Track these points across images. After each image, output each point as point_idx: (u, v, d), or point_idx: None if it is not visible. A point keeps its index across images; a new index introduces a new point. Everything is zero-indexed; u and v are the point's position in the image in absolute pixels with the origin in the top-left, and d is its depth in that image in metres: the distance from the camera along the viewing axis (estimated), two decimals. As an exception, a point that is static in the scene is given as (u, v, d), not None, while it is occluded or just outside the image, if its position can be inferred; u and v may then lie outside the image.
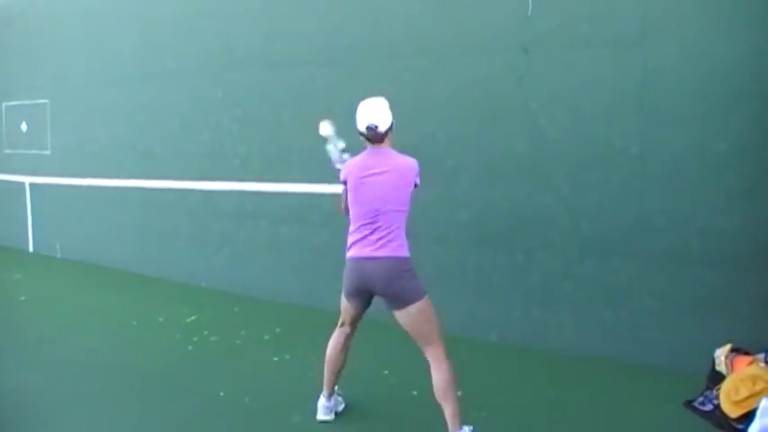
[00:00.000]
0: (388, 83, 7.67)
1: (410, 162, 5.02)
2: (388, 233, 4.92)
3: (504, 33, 7.07)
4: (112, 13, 11.00)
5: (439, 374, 4.88)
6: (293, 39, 8.69)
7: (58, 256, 12.51)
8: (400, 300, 4.92)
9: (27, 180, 12.91)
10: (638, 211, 6.48)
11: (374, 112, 5.03)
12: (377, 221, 4.93)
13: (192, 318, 8.46)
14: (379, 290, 4.99)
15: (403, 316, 4.93)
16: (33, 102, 12.60)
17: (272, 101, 8.99)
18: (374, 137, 5.01)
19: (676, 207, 6.31)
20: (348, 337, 5.43)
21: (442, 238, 7.41)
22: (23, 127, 12.92)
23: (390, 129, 5.05)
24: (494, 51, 7.15)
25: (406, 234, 5.03)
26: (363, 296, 5.13)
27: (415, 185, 5.02)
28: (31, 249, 13.08)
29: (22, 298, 9.69)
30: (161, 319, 8.43)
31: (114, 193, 11.16)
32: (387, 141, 5.05)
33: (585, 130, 6.68)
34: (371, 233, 4.95)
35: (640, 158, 6.43)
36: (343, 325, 5.40)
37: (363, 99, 7.90)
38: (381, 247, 4.92)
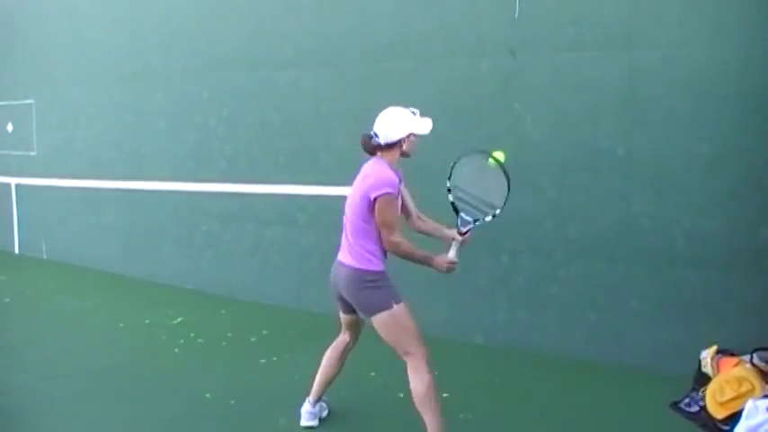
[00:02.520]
0: (374, 84, 7.71)
1: (373, 174, 4.83)
2: (352, 243, 4.91)
3: (491, 35, 7.08)
4: (98, 13, 10.96)
5: (414, 384, 4.83)
6: (279, 40, 8.68)
7: (44, 257, 12.44)
8: (362, 309, 4.97)
9: (13, 181, 12.84)
10: (624, 213, 6.50)
11: (383, 122, 4.88)
12: (346, 228, 4.97)
13: (179, 319, 8.44)
14: (343, 294, 5.01)
15: (374, 324, 4.91)
16: (19, 102, 12.54)
17: (259, 102, 8.98)
18: (365, 144, 4.93)
19: (661, 209, 6.33)
20: (346, 347, 5.39)
21: (428, 240, 7.41)
22: (9, 128, 12.85)
23: (398, 143, 4.88)
24: (480, 53, 7.15)
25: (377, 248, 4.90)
26: (342, 300, 5.11)
27: (373, 200, 4.76)
28: (16, 251, 13.01)
29: (7, 299, 9.64)
30: (147, 321, 8.40)
31: (100, 194, 11.12)
32: (388, 155, 4.90)
33: (571, 132, 6.70)
34: (344, 239, 4.99)
35: (626, 160, 6.45)
36: (342, 333, 5.39)
37: (349, 100, 7.96)
38: (346, 254, 4.96)
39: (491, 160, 4.94)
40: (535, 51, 6.86)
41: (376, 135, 4.88)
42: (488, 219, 4.97)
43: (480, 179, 5.01)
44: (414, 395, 4.83)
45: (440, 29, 7.41)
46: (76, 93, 11.41)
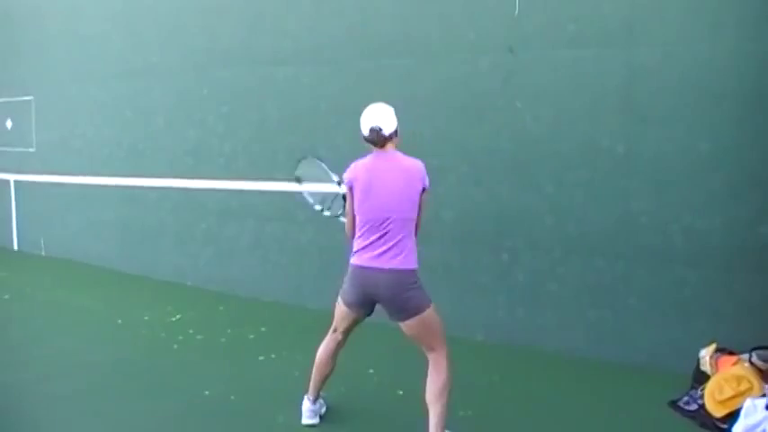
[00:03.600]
0: (373, 81, 7.70)
1: (417, 165, 4.88)
2: (397, 243, 4.78)
3: (491, 33, 7.08)
4: (97, 9, 10.95)
5: (436, 379, 4.84)
6: (279, 36, 8.68)
7: (43, 253, 12.44)
8: (405, 311, 4.83)
9: (12, 178, 12.84)
10: (623, 210, 6.50)
11: (378, 115, 4.88)
12: (385, 229, 4.80)
13: (177, 316, 8.44)
14: (383, 300, 4.89)
15: (407, 326, 4.87)
16: (18, 99, 12.53)
17: (258, 99, 8.97)
18: (378, 139, 4.88)
19: (661, 207, 6.33)
20: (339, 345, 5.34)
21: (427, 237, 7.37)
22: (8, 124, 12.84)
23: (395, 133, 4.93)
24: (480, 51, 7.15)
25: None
26: (366, 306, 5.01)
27: (424, 189, 4.87)
28: (15, 247, 13.02)
29: (6, 296, 9.64)
30: (146, 318, 8.40)
31: (99, 191, 11.12)
32: (392, 145, 4.93)
33: (571, 130, 6.70)
34: (378, 240, 4.82)
35: (625, 158, 6.45)
36: (335, 332, 5.27)
37: (349, 97, 7.95)
38: (389, 258, 4.79)
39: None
40: (535, 49, 6.86)
41: (380, 129, 4.86)
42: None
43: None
44: (428, 389, 4.85)
45: (439, 26, 7.40)
46: (76, 89, 11.40)
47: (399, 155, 4.92)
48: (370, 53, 7.91)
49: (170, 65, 9.96)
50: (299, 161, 5.79)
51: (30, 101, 12.31)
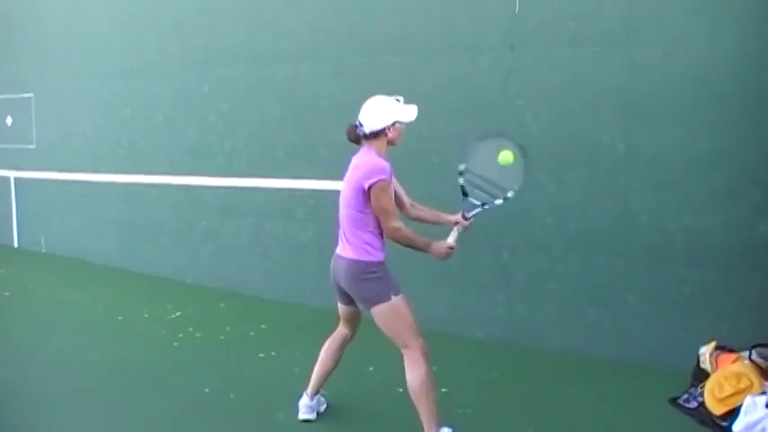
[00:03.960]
0: (373, 79, 7.69)
1: (365, 163, 4.81)
2: (349, 235, 4.90)
3: (491, 31, 7.08)
4: (97, 7, 10.95)
5: (409, 376, 4.83)
6: (279, 34, 8.68)
7: (43, 251, 12.44)
8: (361, 300, 4.97)
9: (12, 175, 12.84)
10: (623, 208, 6.50)
11: (367, 111, 4.88)
12: (342, 221, 4.96)
13: (177, 314, 8.45)
14: (343, 287, 5.01)
15: (374, 318, 4.92)
16: (18, 96, 12.53)
17: (258, 96, 8.97)
18: (352, 134, 4.95)
19: (660, 205, 6.33)
20: (344, 340, 5.38)
21: (427, 234, 7.40)
22: (8, 121, 12.84)
23: (383, 131, 4.86)
24: (480, 48, 7.15)
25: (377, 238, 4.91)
26: (341, 292, 5.11)
27: (369, 188, 4.74)
28: (15, 244, 13.02)
29: (6, 293, 9.65)
30: (146, 315, 8.40)
31: (99, 188, 11.12)
32: (375, 143, 4.88)
33: (571, 128, 6.70)
34: (340, 230, 5.00)
35: (625, 156, 6.45)
36: (340, 325, 5.38)
37: (348, 94, 7.94)
38: (343, 248, 4.94)
39: (500, 159, 4.97)
40: (535, 47, 6.85)
41: (360, 124, 4.88)
42: (498, 202, 5.06)
43: (495, 162, 5.06)
44: (409, 387, 4.84)
45: (439, 24, 7.40)
46: (76, 87, 11.40)
47: (367, 153, 4.90)
48: (369, 51, 7.91)
49: (170, 63, 9.96)
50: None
51: (30, 98, 12.31)
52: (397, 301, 4.85)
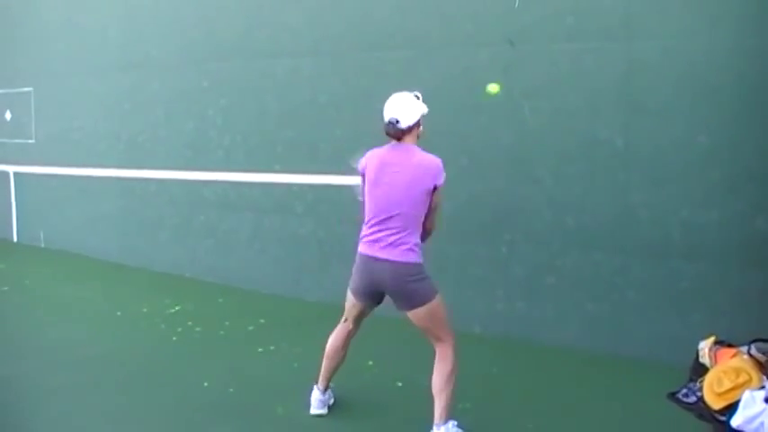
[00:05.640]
0: (372, 74, 7.71)
1: (431, 162, 4.83)
2: (399, 236, 4.80)
3: (490, 25, 7.08)
4: (97, 1, 10.95)
5: (442, 369, 4.89)
6: (278, 29, 8.67)
7: (42, 245, 12.45)
8: (409, 302, 4.88)
9: (11, 169, 12.83)
10: (622, 203, 6.51)
11: (398, 107, 4.87)
12: (389, 222, 4.82)
13: (176, 308, 8.45)
14: (388, 291, 4.93)
15: (413, 316, 4.91)
16: (17, 90, 12.53)
17: (257, 91, 8.97)
18: (393, 132, 4.87)
19: (659, 200, 6.34)
20: (350, 335, 5.38)
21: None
22: (8, 115, 12.84)
23: (416, 125, 4.90)
24: (479, 43, 7.15)
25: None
26: (373, 295, 5.05)
27: (435, 187, 4.81)
28: (15, 239, 13.02)
29: (5, 288, 9.65)
30: (145, 310, 8.41)
31: (98, 183, 11.12)
32: (409, 138, 4.90)
33: (569, 123, 6.71)
34: (382, 232, 4.85)
35: (624, 151, 6.46)
36: (346, 321, 5.33)
37: (348, 89, 7.95)
38: (391, 249, 4.82)
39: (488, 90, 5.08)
40: (534, 41, 6.85)
41: (397, 121, 4.84)
42: None
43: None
44: (434, 379, 4.89)
45: (438, 18, 7.40)
46: (75, 81, 11.40)
47: (414, 149, 4.89)
48: (369, 46, 7.91)
49: (169, 57, 9.95)
50: None
51: (29, 92, 12.31)
52: (439, 297, 4.92)
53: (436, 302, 4.89)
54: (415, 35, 7.57)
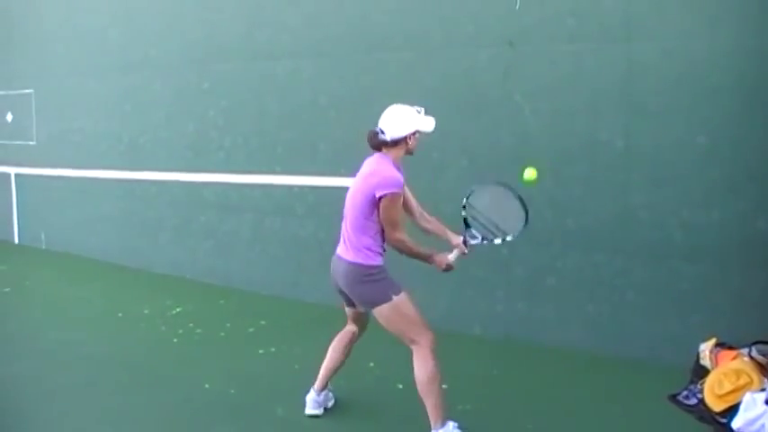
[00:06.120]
0: (372, 75, 7.71)
1: (378, 173, 4.84)
2: (351, 237, 4.93)
3: (490, 26, 7.08)
4: (97, 2, 10.94)
5: (418, 372, 4.88)
6: (278, 30, 8.67)
7: (43, 247, 12.45)
8: (362, 303, 5.02)
9: (12, 171, 12.84)
10: (622, 204, 6.51)
11: (389, 118, 4.90)
12: (345, 224, 5.00)
13: (177, 310, 8.45)
14: (342, 288, 5.05)
15: (378, 319, 4.97)
16: (18, 92, 12.53)
17: (257, 92, 8.97)
18: (372, 140, 4.94)
19: (659, 200, 6.34)
20: (352, 337, 5.43)
21: (424, 238, 7.42)
22: (9, 117, 12.84)
23: (403, 140, 4.90)
24: (479, 44, 7.15)
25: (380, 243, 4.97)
26: (342, 293, 5.14)
27: (378, 198, 4.79)
28: (16, 240, 13.02)
29: (6, 289, 9.65)
30: (146, 311, 8.41)
31: (99, 184, 11.12)
32: (393, 151, 4.92)
33: (570, 124, 6.71)
34: (343, 233, 5.03)
35: (624, 152, 6.46)
36: (348, 323, 5.44)
37: (348, 90, 7.95)
38: (345, 249, 4.98)
39: (525, 179, 5.24)
40: (534, 43, 6.85)
41: (382, 131, 4.89)
42: (497, 242, 5.15)
43: (498, 207, 5.22)
44: (417, 382, 4.89)
45: (439, 20, 7.40)
46: (76, 83, 11.40)
47: (381, 161, 4.93)
48: (369, 47, 7.91)
49: (170, 59, 9.95)
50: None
51: (30, 94, 12.31)
52: (398, 299, 4.89)
53: (392, 305, 4.88)
54: (416, 36, 7.57)
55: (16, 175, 12.80)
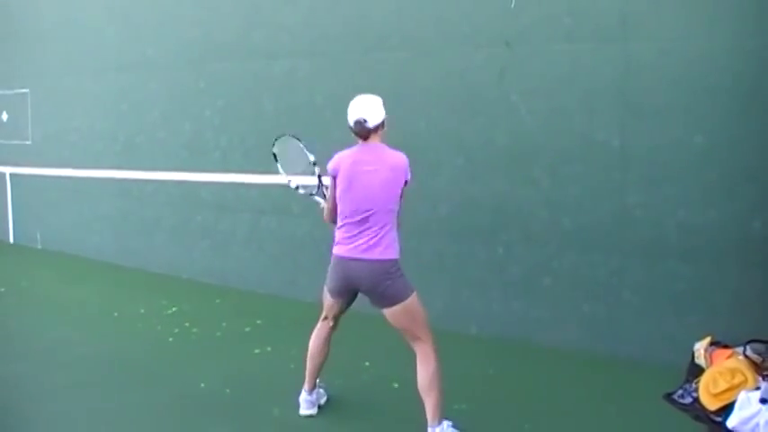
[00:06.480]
0: (369, 74, 7.70)
1: (401, 159, 4.92)
2: (377, 234, 4.85)
3: (487, 26, 7.08)
4: (93, 2, 10.94)
5: (424, 369, 4.89)
6: (275, 29, 8.67)
7: (39, 246, 12.44)
8: (386, 299, 4.91)
9: (8, 170, 12.83)
10: (618, 204, 6.51)
11: (364, 107, 4.94)
12: (366, 221, 4.86)
13: (173, 309, 8.45)
14: (364, 289, 4.97)
15: (389, 314, 4.93)
16: (14, 91, 12.52)
17: (254, 92, 8.97)
18: (362, 131, 4.93)
19: (656, 200, 6.34)
20: (330, 331, 5.40)
21: (423, 231, 7.41)
22: (4, 116, 12.83)
23: (381, 125, 4.95)
24: (476, 44, 7.15)
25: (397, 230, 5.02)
26: (349, 295, 5.12)
27: (406, 182, 4.94)
28: (11, 240, 13.01)
29: (2, 289, 9.64)
30: (142, 311, 8.40)
31: (95, 184, 11.12)
32: (376, 137, 4.96)
33: (566, 124, 6.71)
34: (360, 233, 4.88)
35: (621, 152, 6.46)
36: (326, 319, 5.37)
37: (345, 90, 7.91)
38: (369, 248, 4.86)
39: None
40: (530, 42, 6.86)
41: (365, 120, 4.91)
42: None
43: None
44: (419, 380, 4.90)
45: (435, 19, 7.40)
46: (71, 82, 11.40)
47: (383, 147, 4.97)
48: (365, 47, 7.91)
49: (166, 58, 9.95)
50: (277, 139, 6.15)
51: (26, 93, 12.30)
52: (416, 295, 4.93)
53: (412, 301, 4.91)
54: (412, 36, 7.57)
55: (11, 175, 12.80)
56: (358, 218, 4.88)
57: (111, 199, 10.97)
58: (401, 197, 4.95)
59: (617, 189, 6.51)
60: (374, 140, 4.96)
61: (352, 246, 4.92)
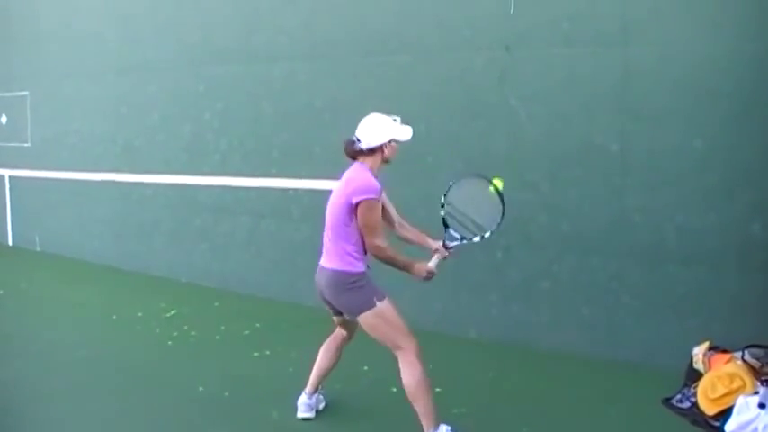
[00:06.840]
0: (368, 78, 7.71)
1: (354, 180, 4.87)
2: (332, 244, 4.95)
3: (486, 30, 7.08)
4: (92, 5, 10.95)
5: (405, 378, 4.87)
6: (274, 33, 8.68)
7: (38, 249, 12.44)
8: (346, 310, 5.01)
9: (7, 173, 12.84)
10: (617, 208, 6.51)
11: (365, 127, 4.95)
12: (329, 233, 4.99)
13: (172, 312, 8.44)
14: (327, 297, 5.05)
15: (362, 326, 4.97)
16: (13, 94, 12.52)
17: (253, 95, 8.98)
18: (347, 149, 4.98)
19: (655, 204, 6.35)
20: (343, 340, 5.44)
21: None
22: (3, 119, 12.83)
23: (379, 149, 4.93)
24: (475, 48, 7.16)
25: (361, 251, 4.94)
26: (327, 302, 5.14)
27: (355, 204, 4.80)
28: (10, 243, 13.01)
29: (1, 291, 9.63)
30: (140, 314, 8.39)
31: (94, 187, 11.12)
32: (369, 160, 4.94)
33: (565, 128, 6.71)
34: (324, 243, 5.04)
35: (620, 156, 6.46)
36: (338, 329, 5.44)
37: (344, 94, 7.96)
38: (327, 258, 5.00)
39: (491, 188, 5.09)
40: (530, 47, 6.86)
41: (358, 140, 4.92)
42: (476, 239, 5.10)
43: (475, 201, 5.13)
44: (405, 388, 4.87)
45: (435, 23, 7.41)
46: (71, 85, 11.40)
47: (358, 168, 4.94)
48: (365, 50, 7.91)
49: (165, 61, 9.95)
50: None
51: (25, 96, 12.30)
52: (382, 306, 4.88)
53: (376, 311, 4.87)
54: (412, 40, 7.58)
55: (11, 178, 12.80)
56: (326, 230, 5.02)
57: (110, 202, 10.97)
58: (355, 219, 4.84)
59: (616, 193, 6.52)
60: (366, 162, 4.95)
61: (322, 254, 5.07)
